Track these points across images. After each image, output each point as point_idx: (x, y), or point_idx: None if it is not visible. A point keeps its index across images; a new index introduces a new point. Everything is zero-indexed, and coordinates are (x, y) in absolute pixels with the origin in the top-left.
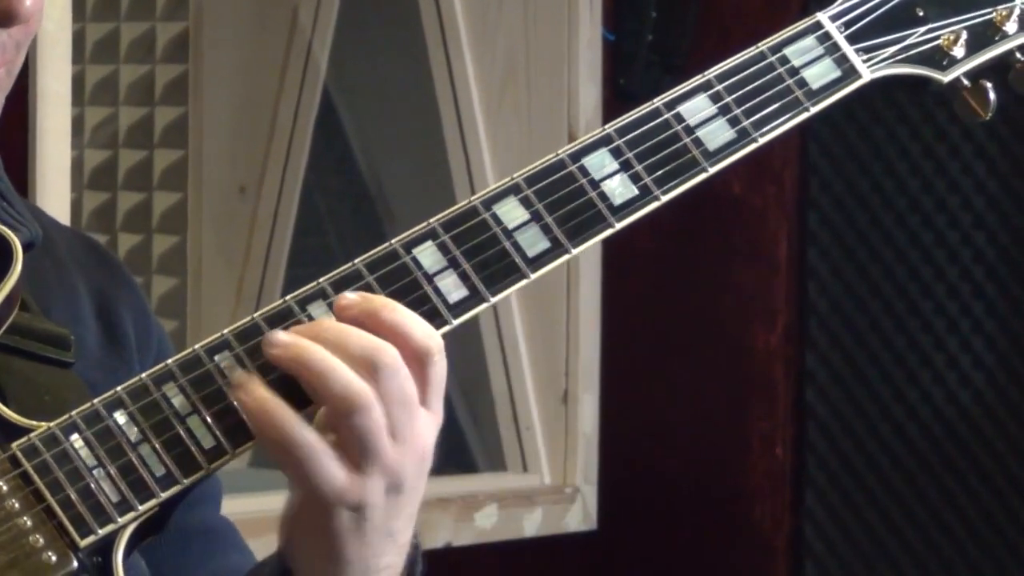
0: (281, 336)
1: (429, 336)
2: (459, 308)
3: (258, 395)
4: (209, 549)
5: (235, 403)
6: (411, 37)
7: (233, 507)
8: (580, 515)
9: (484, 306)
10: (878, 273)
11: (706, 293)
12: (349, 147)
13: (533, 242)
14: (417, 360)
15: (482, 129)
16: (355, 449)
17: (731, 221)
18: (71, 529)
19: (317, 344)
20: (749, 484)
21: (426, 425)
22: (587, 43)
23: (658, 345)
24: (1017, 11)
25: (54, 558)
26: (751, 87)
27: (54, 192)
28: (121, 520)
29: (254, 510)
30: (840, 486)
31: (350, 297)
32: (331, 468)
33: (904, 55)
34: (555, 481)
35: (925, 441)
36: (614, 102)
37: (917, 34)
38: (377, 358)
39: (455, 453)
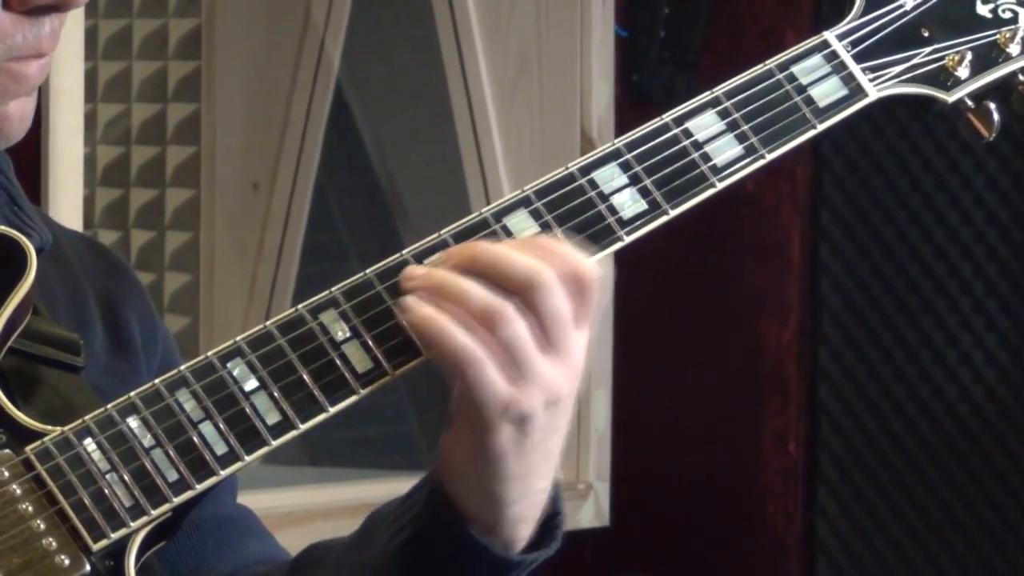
0: (417, 270)
1: (586, 263)
2: None
3: (423, 311)
4: (225, 539)
5: (400, 324)
6: (424, 33)
7: (247, 503)
8: (593, 511)
9: None
10: (891, 270)
11: (718, 290)
12: (362, 143)
13: None
14: (573, 282)
15: (494, 125)
16: (508, 363)
17: (744, 218)
18: (84, 533)
19: (462, 272)
20: (762, 481)
21: (578, 341)
22: (599, 40)
23: (671, 342)
24: (1021, 33)
25: (67, 561)
26: (759, 104)
27: (66, 188)
28: (134, 524)
29: (268, 506)
30: (853, 483)
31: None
32: (496, 377)
33: (910, 75)
34: (568, 477)
35: (938, 438)
36: (626, 99)
37: (923, 54)
38: (534, 277)
39: None
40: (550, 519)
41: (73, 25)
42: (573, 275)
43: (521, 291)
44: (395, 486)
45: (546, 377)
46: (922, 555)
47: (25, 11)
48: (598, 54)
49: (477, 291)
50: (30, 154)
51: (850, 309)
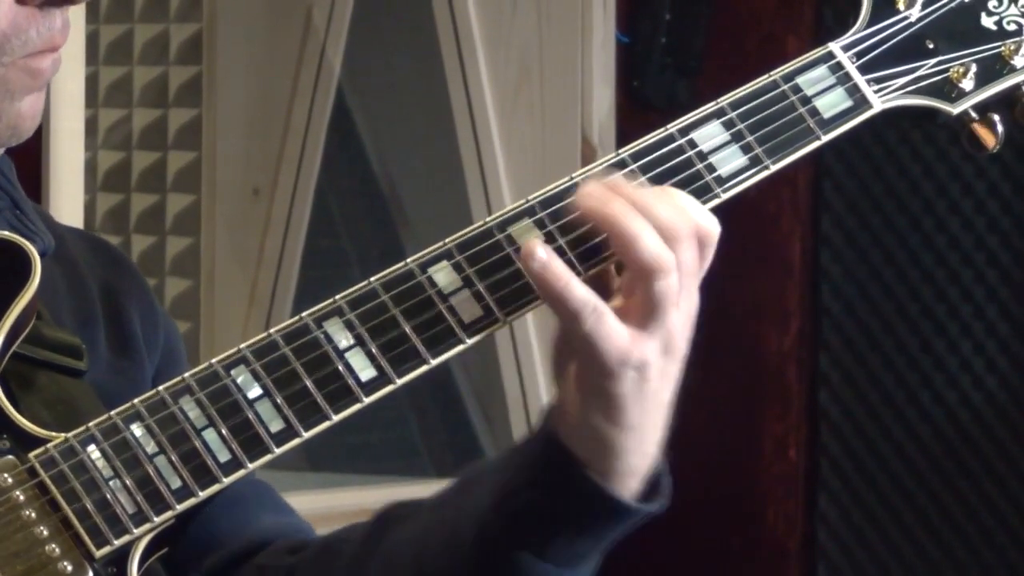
0: (597, 190)
1: (713, 221)
2: (474, 328)
3: (550, 262)
4: (239, 515)
5: (523, 270)
6: (425, 38)
7: None
8: None
9: (498, 326)
10: (891, 276)
11: (719, 295)
12: (363, 149)
13: None
14: (702, 235)
15: (496, 131)
16: (646, 311)
17: (745, 224)
18: (87, 539)
19: (627, 204)
20: (762, 487)
21: (696, 292)
22: (601, 45)
23: None
24: None
25: (70, 568)
26: (764, 115)
27: (68, 194)
28: (137, 531)
29: None
30: (853, 489)
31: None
32: (616, 326)
33: (914, 86)
34: None
35: (938, 444)
36: (627, 104)
37: (927, 66)
38: (682, 227)
39: (469, 457)
40: (654, 478)
41: (74, 30)
42: (703, 229)
43: (669, 239)
44: (396, 491)
45: (670, 326)
46: (923, 561)
47: (38, 5)
48: (599, 60)
49: (650, 238)
50: (31, 158)
51: (850, 315)
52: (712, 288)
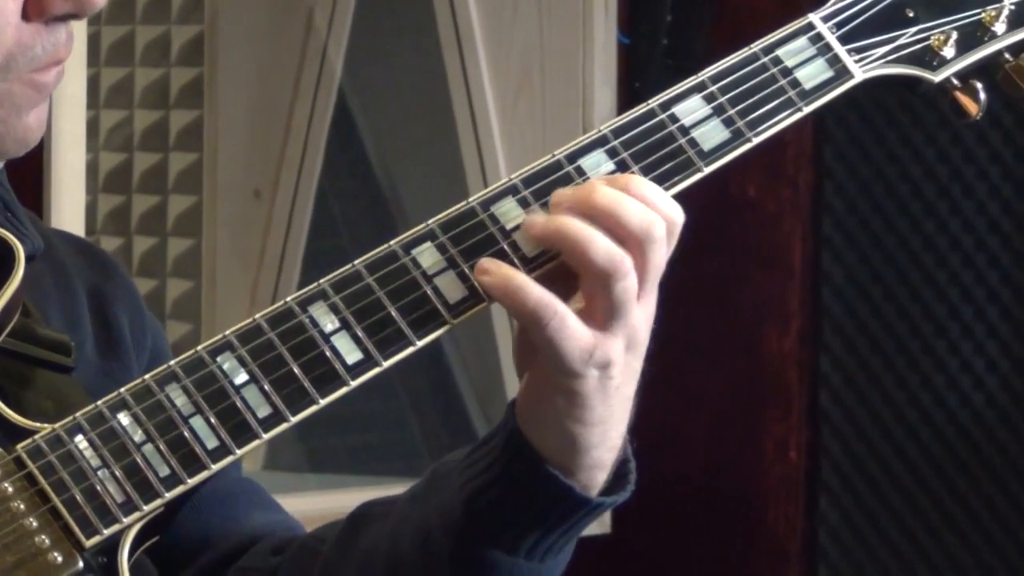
0: (538, 217)
1: (677, 210)
2: (459, 308)
3: (499, 271)
4: (229, 514)
5: (479, 286)
6: (426, 40)
7: None
8: None
9: (483, 306)
10: (892, 277)
11: (720, 296)
12: (364, 150)
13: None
14: (670, 231)
15: (497, 132)
16: (608, 313)
17: (745, 225)
18: (76, 529)
19: (582, 218)
20: (763, 488)
21: (656, 288)
22: (602, 46)
23: (672, 348)
24: (1005, 11)
25: (60, 558)
26: (745, 87)
27: (69, 195)
28: (126, 520)
29: None
30: (854, 490)
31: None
32: (578, 327)
33: (895, 55)
34: None
35: (939, 445)
36: (628, 105)
37: (908, 34)
38: (648, 230)
39: None
40: (621, 466)
41: (76, 32)
42: (669, 220)
43: (635, 244)
44: (396, 492)
45: (632, 324)
46: (924, 562)
47: (43, 21)
48: (600, 61)
49: (602, 243)
50: (32, 160)
51: (851, 316)
52: (713, 289)
